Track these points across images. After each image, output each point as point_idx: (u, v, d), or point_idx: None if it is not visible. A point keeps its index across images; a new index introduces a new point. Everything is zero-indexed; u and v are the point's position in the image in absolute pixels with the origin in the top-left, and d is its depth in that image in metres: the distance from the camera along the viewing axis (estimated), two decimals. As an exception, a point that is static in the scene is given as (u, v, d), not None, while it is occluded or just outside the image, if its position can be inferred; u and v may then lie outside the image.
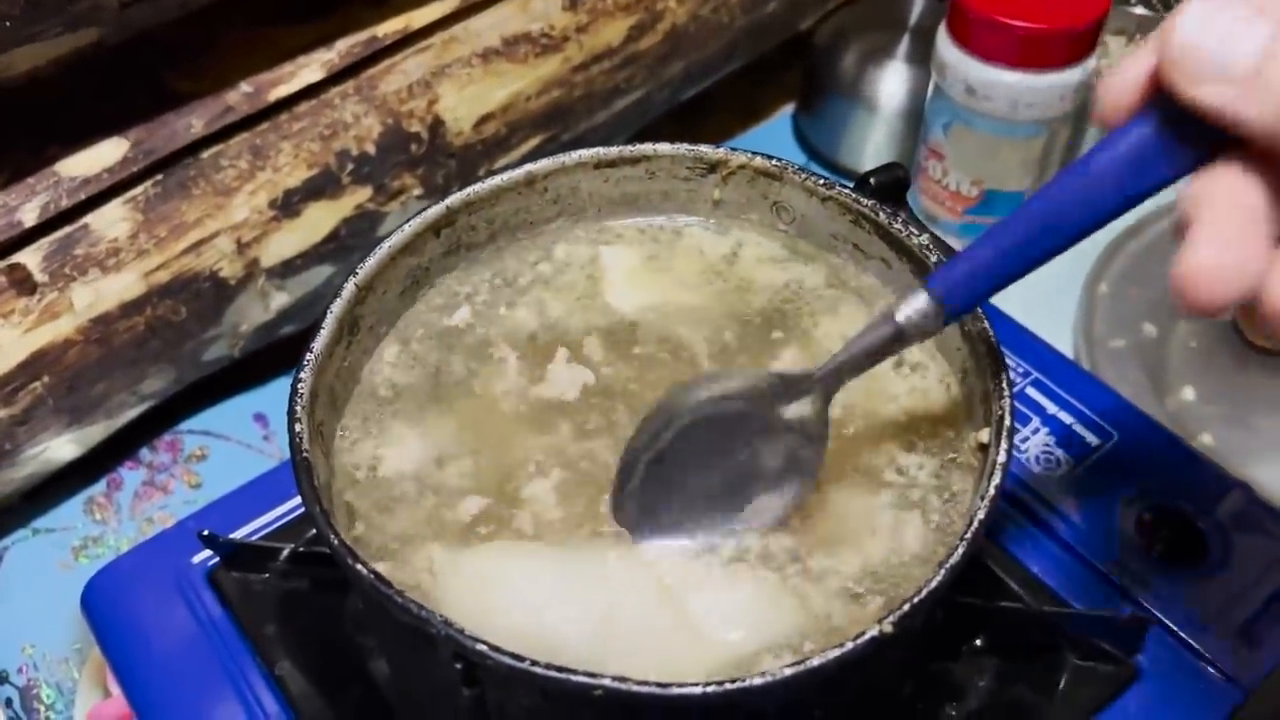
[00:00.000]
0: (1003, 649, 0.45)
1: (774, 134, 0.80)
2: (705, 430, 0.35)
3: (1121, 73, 0.27)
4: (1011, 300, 0.58)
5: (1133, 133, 0.26)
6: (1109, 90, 0.27)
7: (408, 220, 0.41)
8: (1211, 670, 0.44)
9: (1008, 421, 0.35)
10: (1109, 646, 0.44)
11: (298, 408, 0.35)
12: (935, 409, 0.40)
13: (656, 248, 0.45)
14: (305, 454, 0.34)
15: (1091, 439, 0.51)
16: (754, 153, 0.43)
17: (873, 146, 0.75)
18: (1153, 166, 0.26)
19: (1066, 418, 0.52)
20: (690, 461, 0.35)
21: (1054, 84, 0.63)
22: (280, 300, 0.59)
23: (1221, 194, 0.25)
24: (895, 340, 0.32)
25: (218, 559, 0.47)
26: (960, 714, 0.44)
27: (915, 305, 0.32)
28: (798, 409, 0.34)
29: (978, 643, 0.45)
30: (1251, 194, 0.25)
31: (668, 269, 0.44)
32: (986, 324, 0.38)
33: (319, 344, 0.37)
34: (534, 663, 0.29)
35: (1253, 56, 0.23)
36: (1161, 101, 0.26)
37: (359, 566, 0.31)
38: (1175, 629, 0.45)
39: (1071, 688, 0.44)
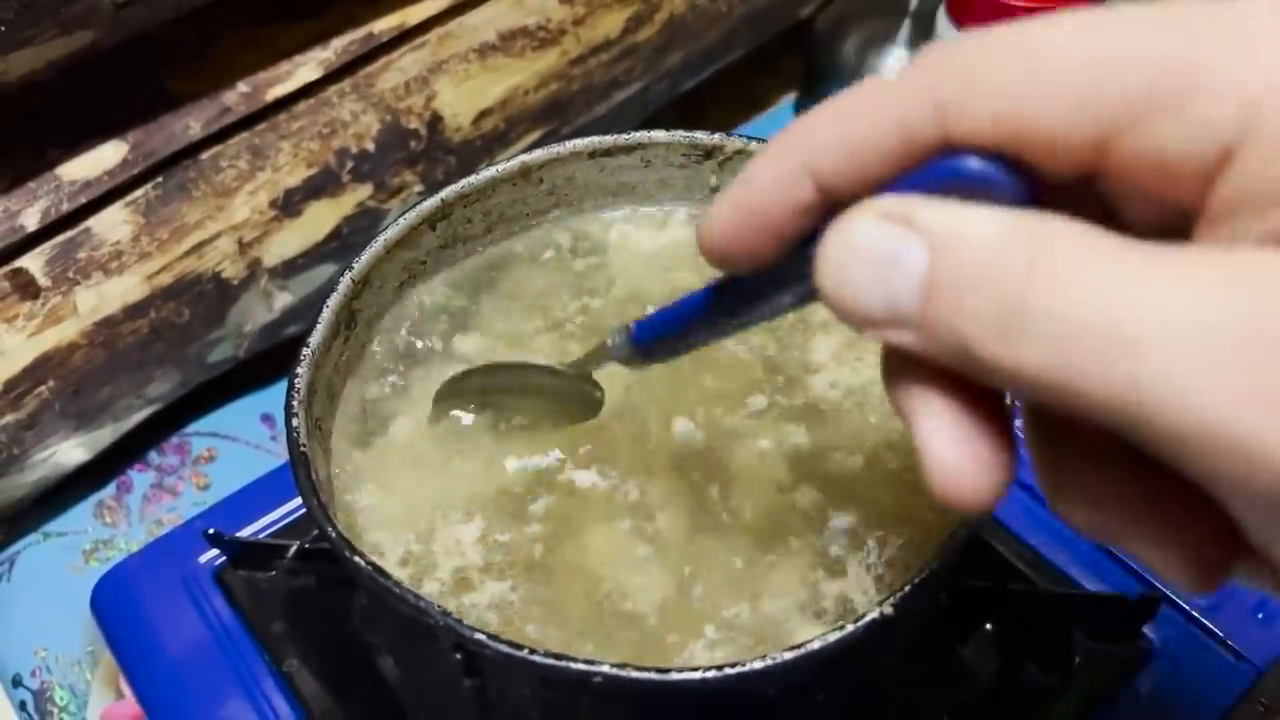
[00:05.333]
0: (1012, 631, 0.45)
1: (776, 123, 0.80)
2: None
3: (719, 232, 0.23)
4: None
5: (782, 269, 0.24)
6: (712, 247, 0.24)
7: (402, 214, 0.41)
8: (1223, 649, 0.44)
9: (1009, 400, 0.34)
10: (1120, 627, 0.44)
11: (295, 403, 0.35)
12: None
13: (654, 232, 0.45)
14: (303, 448, 0.34)
15: (1099, 419, 0.51)
16: (749, 137, 0.43)
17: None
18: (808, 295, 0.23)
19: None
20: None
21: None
22: (284, 300, 0.59)
23: (932, 390, 0.20)
24: (598, 359, 0.35)
25: (225, 558, 0.47)
26: (971, 698, 0.44)
27: (620, 337, 0.32)
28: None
29: (987, 626, 0.45)
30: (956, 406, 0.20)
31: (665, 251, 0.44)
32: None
33: (315, 339, 0.37)
34: (532, 650, 0.29)
35: (917, 293, 0.19)
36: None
37: (357, 559, 0.31)
38: (1186, 608, 0.45)
39: (1083, 669, 0.44)
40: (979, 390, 0.20)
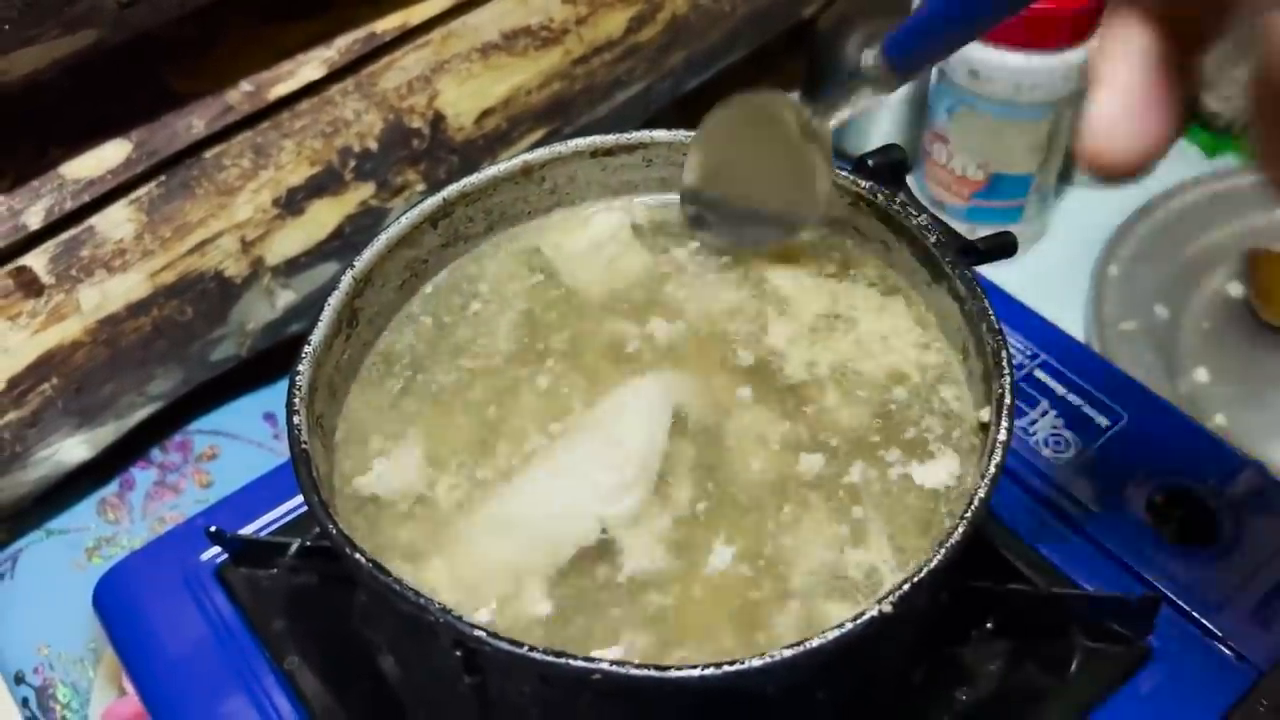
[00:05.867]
0: (1013, 632, 0.45)
1: (779, 123, 0.79)
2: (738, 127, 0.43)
3: None
4: (1021, 283, 0.58)
5: None
6: None
7: (404, 213, 0.41)
8: (1224, 651, 0.44)
9: (1008, 400, 0.34)
10: (1121, 628, 0.44)
11: (296, 400, 0.35)
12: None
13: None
14: (304, 446, 0.34)
15: (1101, 420, 0.51)
16: (751, 137, 0.43)
17: (878, 132, 0.74)
18: None
19: (1075, 399, 0.52)
20: (729, 159, 0.43)
21: (1057, 65, 0.62)
22: (286, 298, 0.59)
23: (1121, 47, 0.25)
24: (857, 80, 0.36)
25: (226, 555, 0.47)
26: (971, 698, 0.44)
27: (870, 57, 0.35)
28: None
29: (988, 626, 0.45)
30: (1152, 42, 0.25)
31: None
32: (986, 303, 0.37)
33: (316, 337, 0.37)
34: (531, 648, 0.29)
35: None
36: None
37: (358, 556, 0.31)
38: (1187, 610, 0.45)
39: (1083, 670, 0.44)
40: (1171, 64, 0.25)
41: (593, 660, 0.29)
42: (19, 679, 0.54)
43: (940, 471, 0.37)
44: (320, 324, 0.37)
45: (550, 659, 0.29)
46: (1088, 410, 0.51)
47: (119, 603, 0.48)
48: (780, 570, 0.35)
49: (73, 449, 0.56)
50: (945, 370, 0.40)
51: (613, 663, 0.29)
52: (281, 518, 0.49)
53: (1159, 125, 0.25)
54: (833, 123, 0.39)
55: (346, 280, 0.39)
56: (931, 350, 0.40)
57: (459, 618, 0.30)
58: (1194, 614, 0.45)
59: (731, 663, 0.29)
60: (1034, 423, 0.51)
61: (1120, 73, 0.25)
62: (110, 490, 0.61)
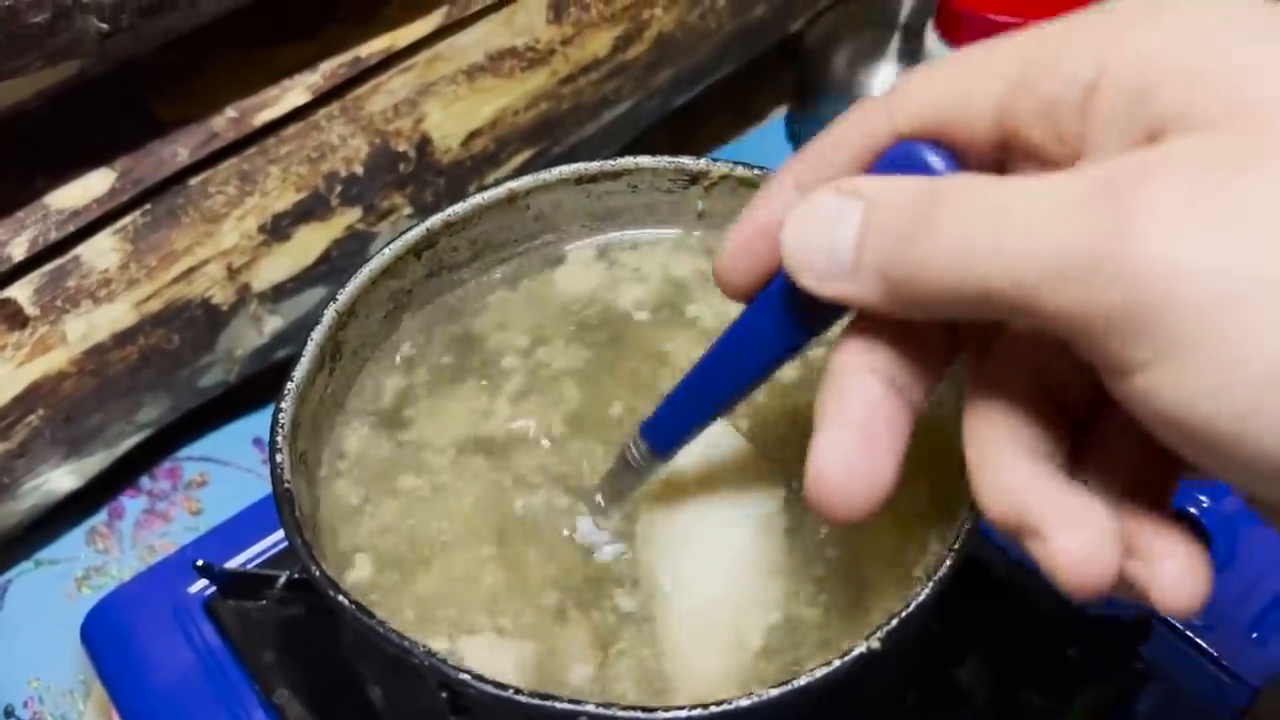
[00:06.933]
0: (1007, 654, 0.44)
1: (768, 137, 0.79)
2: None
3: (731, 251, 0.28)
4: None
5: (769, 301, 0.28)
6: (721, 268, 0.28)
7: (388, 243, 0.41)
8: (1218, 670, 0.44)
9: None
10: (1115, 648, 0.44)
11: (279, 438, 0.35)
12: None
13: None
14: (287, 485, 0.34)
15: (1092, 437, 0.51)
16: (735, 162, 0.43)
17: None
18: (794, 329, 0.27)
19: (1067, 416, 0.52)
20: None
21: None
22: (274, 324, 0.59)
23: (852, 385, 0.25)
24: (632, 477, 0.35)
25: (215, 588, 0.47)
26: (964, 721, 0.43)
27: (637, 449, 0.34)
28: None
29: (981, 648, 0.44)
30: (880, 372, 0.25)
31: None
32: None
33: (300, 372, 0.37)
34: (518, 690, 0.29)
35: (848, 247, 0.24)
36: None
37: (340, 598, 0.31)
38: (1181, 629, 0.45)
39: (1077, 690, 0.43)
40: (901, 405, 0.25)
41: (578, 702, 0.29)
42: (9, 712, 0.53)
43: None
44: (303, 359, 0.37)
45: (536, 701, 0.29)
46: (1079, 427, 0.51)
47: (107, 636, 0.47)
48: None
49: (61, 479, 0.56)
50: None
51: (599, 704, 0.29)
52: (271, 548, 0.49)
53: (886, 484, 0.25)
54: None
55: (329, 314, 0.38)
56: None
57: (443, 660, 0.30)
58: (1188, 633, 0.44)
59: (719, 703, 0.29)
60: (1025, 441, 0.51)
61: (851, 429, 0.24)
62: (99, 519, 0.60)
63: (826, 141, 0.27)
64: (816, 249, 0.24)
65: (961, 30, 0.62)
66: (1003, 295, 0.21)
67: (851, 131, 0.26)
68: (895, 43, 0.74)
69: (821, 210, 0.24)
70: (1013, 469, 0.23)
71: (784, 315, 0.27)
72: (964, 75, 0.24)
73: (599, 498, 0.37)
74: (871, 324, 0.25)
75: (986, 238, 0.21)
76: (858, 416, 0.25)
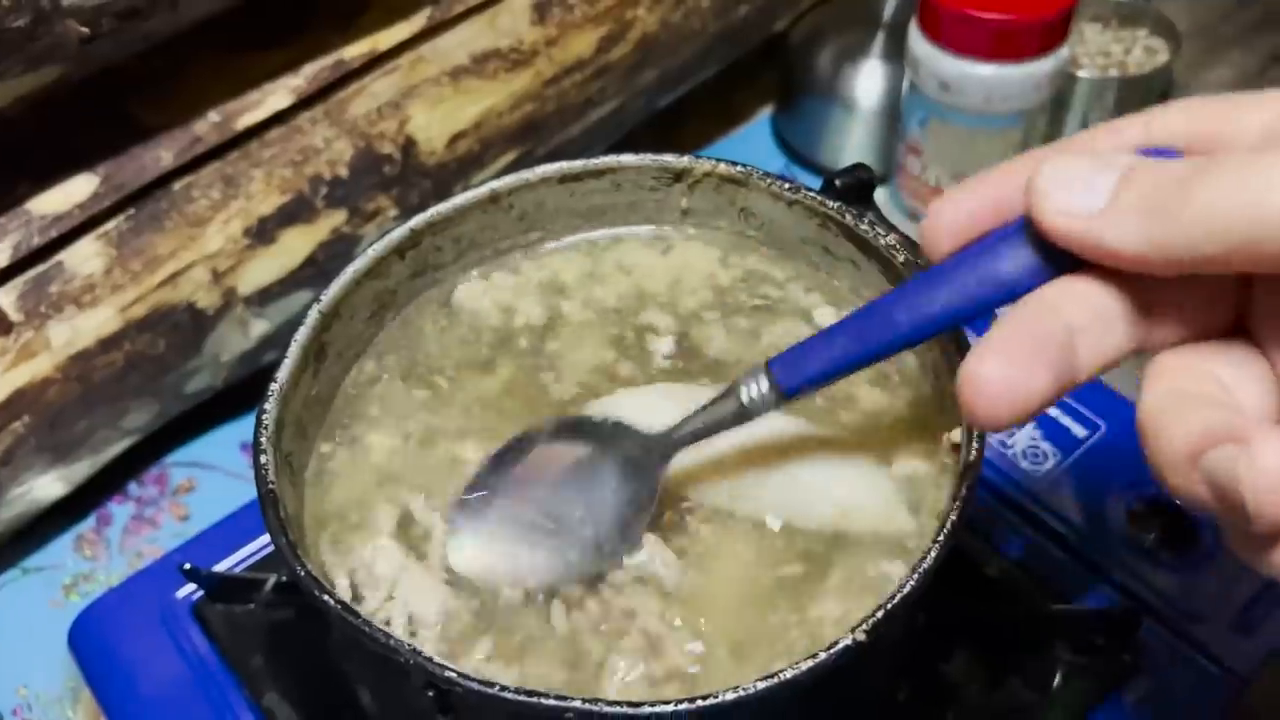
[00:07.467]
0: (996, 647, 0.44)
1: (753, 137, 0.80)
2: (554, 457, 0.37)
3: (945, 210, 0.29)
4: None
5: (987, 249, 0.28)
6: (934, 225, 0.29)
7: (371, 244, 0.40)
8: (1207, 661, 0.44)
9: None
10: (1103, 641, 0.44)
11: (263, 439, 0.35)
12: (909, 411, 0.40)
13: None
14: (271, 486, 0.34)
15: (1079, 431, 0.51)
16: (718, 159, 0.43)
17: (852, 145, 0.74)
18: (1001, 279, 0.27)
19: (1052, 411, 0.52)
20: (532, 487, 0.36)
21: (1028, 74, 0.62)
22: (260, 328, 0.59)
23: (1030, 311, 0.26)
24: (738, 417, 0.33)
25: (202, 592, 0.47)
26: (955, 715, 0.43)
27: (758, 386, 0.32)
28: (639, 462, 0.36)
29: (970, 642, 0.45)
30: (1057, 318, 0.25)
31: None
32: (956, 321, 0.37)
33: (283, 374, 0.36)
34: (503, 688, 0.29)
35: (1105, 192, 0.25)
36: (1018, 227, 0.27)
37: (326, 598, 0.31)
38: (1170, 620, 0.45)
39: (1067, 683, 0.44)
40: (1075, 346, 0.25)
41: (565, 699, 0.29)
42: (-3, 721, 0.53)
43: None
44: (287, 361, 0.37)
45: (522, 698, 0.29)
46: (1065, 421, 0.51)
47: (94, 643, 0.47)
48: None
49: (47, 486, 0.56)
50: (916, 390, 0.40)
51: (585, 700, 0.29)
52: (259, 551, 0.49)
53: (1035, 400, 0.25)
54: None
55: (313, 315, 0.38)
56: (902, 369, 0.40)
57: (429, 659, 0.29)
58: (1176, 624, 0.45)
59: (705, 697, 0.29)
60: (1011, 435, 0.51)
61: (1015, 341, 0.25)
62: (87, 526, 0.60)
63: (1075, 139, 0.28)
64: (1073, 187, 0.25)
65: (944, 27, 0.62)
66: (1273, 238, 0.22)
67: (1103, 132, 0.28)
68: (879, 42, 0.74)
69: (1079, 161, 0.25)
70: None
71: (988, 267, 0.27)
72: (1232, 104, 0.26)
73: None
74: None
75: (1260, 187, 0.22)
76: (1029, 332, 0.25)
